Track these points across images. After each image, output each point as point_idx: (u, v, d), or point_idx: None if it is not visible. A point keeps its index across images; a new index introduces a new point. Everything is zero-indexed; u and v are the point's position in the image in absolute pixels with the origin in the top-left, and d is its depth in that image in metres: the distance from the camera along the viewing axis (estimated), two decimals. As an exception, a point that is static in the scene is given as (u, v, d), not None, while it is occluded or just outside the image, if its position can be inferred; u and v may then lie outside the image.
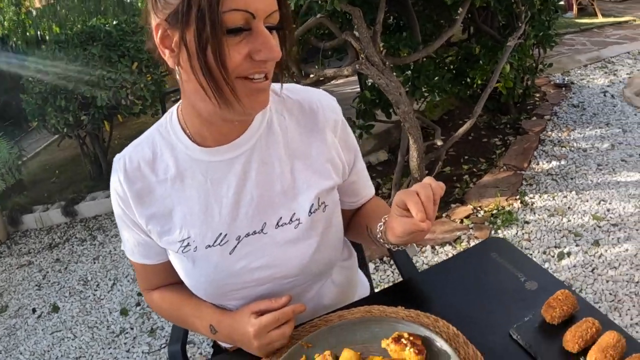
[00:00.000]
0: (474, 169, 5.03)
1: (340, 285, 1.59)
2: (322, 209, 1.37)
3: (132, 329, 4.00)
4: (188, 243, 1.33)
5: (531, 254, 3.76)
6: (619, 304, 3.25)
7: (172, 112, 1.35)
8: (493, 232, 4.02)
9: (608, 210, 4.13)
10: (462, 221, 4.23)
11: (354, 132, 4.46)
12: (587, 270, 3.54)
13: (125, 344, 3.87)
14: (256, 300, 1.36)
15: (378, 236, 1.37)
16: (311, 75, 4.40)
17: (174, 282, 1.50)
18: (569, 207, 4.23)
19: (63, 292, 4.70)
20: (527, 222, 4.09)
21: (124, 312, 4.18)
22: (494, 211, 4.24)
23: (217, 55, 1.03)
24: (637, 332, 3.06)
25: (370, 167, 5.45)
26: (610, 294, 3.33)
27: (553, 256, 3.70)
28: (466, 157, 5.30)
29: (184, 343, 1.89)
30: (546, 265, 3.64)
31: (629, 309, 3.19)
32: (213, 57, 1.03)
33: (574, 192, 4.41)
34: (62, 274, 5.06)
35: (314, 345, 1.28)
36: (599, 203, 4.23)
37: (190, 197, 1.33)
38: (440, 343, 1.21)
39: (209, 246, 1.33)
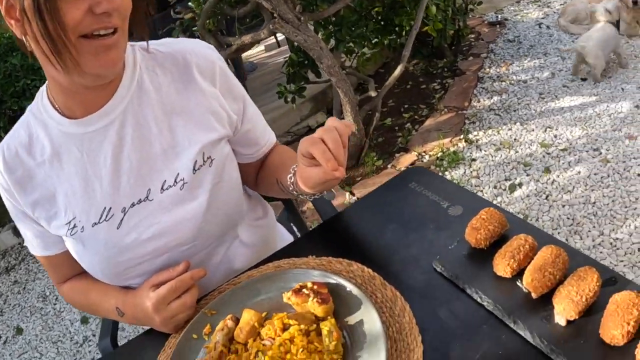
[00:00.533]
0: (416, 117, 4.84)
1: (252, 245, 1.51)
2: (208, 164, 1.29)
3: (94, 335, 3.85)
4: (74, 224, 1.26)
5: (481, 191, 3.59)
6: (578, 227, 3.09)
7: (42, 89, 1.28)
8: (440, 174, 3.82)
9: (555, 136, 3.97)
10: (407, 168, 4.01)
11: (284, 98, 4.34)
12: (541, 199, 3.38)
13: (89, 352, 3.74)
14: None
15: (290, 188, 1.29)
16: (232, 46, 4.23)
17: (83, 271, 1.41)
18: (515, 139, 4.06)
19: (24, 313, 4.50)
20: (474, 160, 3.91)
21: (84, 321, 4.00)
22: (439, 154, 4.05)
23: (53, 14, 0.97)
24: (600, 252, 2.90)
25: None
26: (568, 218, 3.17)
27: (504, 189, 3.53)
28: (406, 106, 5.11)
29: (114, 336, 1.75)
30: (498, 199, 3.46)
31: (589, 231, 3.04)
32: (49, 17, 0.97)
33: (518, 124, 4.24)
34: (22, 294, 4.76)
35: (218, 312, 1.20)
36: (545, 131, 4.07)
37: (69, 175, 1.25)
38: (350, 288, 1.13)
39: (95, 224, 1.25)
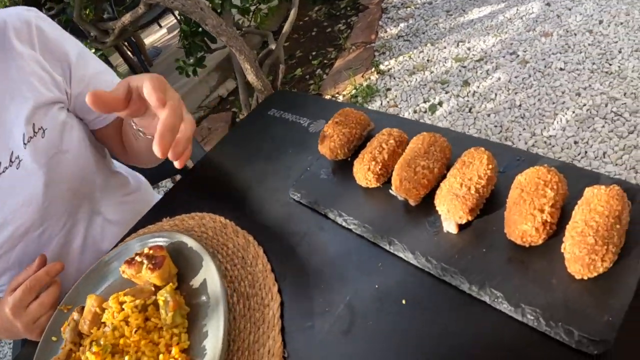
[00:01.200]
0: (325, 61, 4.56)
1: (122, 223, 1.39)
2: (40, 134, 1.16)
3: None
4: None
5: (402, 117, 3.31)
6: (507, 132, 2.88)
7: None
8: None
9: (469, 49, 3.74)
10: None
11: (185, 72, 4.01)
12: (464, 113, 3.15)
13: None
14: (19, 270, 1.18)
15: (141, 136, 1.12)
16: (114, 31, 3.92)
17: None
18: (428, 60, 3.82)
19: None
20: (389, 89, 3.67)
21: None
22: (353, 91, 3.80)
23: None
24: (535, 154, 2.66)
25: (223, 100, 4.93)
26: (496, 126, 2.96)
27: (425, 111, 3.30)
28: (314, 53, 4.82)
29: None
30: (421, 122, 3.20)
31: (520, 134, 2.83)
32: None
33: (429, 45, 3.99)
34: None
35: (73, 305, 1.04)
36: (458, 45, 3.83)
37: None
38: (191, 244, 0.99)
39: None
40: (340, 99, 3.82)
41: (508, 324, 0.66)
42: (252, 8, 4.57)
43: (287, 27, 3.93)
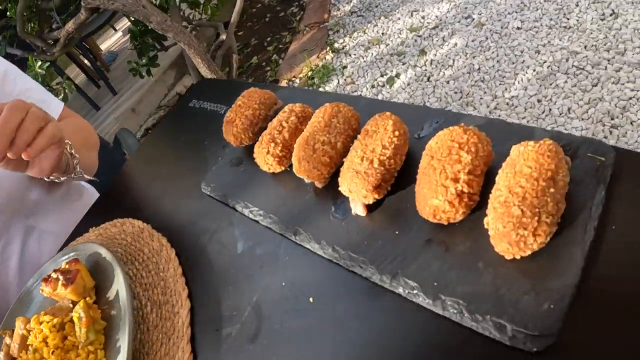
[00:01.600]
0: (280, 46, 4.42)
1: (63, 233, 1.25)
2: None
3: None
4: None
5: (360, 94, 3.20)
6: (468, 98, 2.77)
7: None
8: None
9: (423, 17, 3.63)
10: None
11: (139, 73, 3.85)
12: (423, 82, 3.04)
13: None
14: None
15: None
16: (59, 40, 3.75)
17: None
18: (382, 34, 3.69)
19: None
20: (345, 67, 3.54)
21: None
22: (309, 73, 3.66)
23: None
24: (499, 116, 2.58)
25: (182, 98, 4.76)
26: (456, 92, 2.85)
27: (383, 85, 3.18)
28: (269, 39, 4.67)
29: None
30: (380, 97, 3.10)
31: (481, 98, 2.73)
32: None
33: (382, 18, 3.87)
34: None
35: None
36: (412, 15, 3.71)
37: None
38: (105, 254, 0.94)
39: None
40: (297, 82, 3.69)
41: (430, 319, 0.55)
42: (202, 0, 4.43)
43: (234, 16, 3.81)
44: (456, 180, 0.54)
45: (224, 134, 0.88)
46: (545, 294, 0.48)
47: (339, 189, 0.66)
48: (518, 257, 0.51)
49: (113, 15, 6.30)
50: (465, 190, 0.54)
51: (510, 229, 0.48)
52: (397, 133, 0.63)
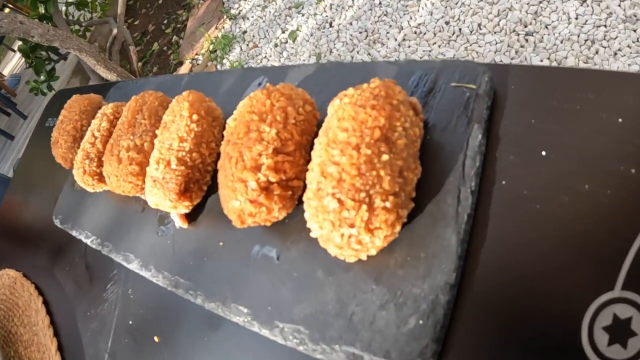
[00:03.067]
0: (178, 26, 4.17)
1: None
2: None
3: None
4: None
5: (265, 56, 3.04)
6: (374, 35, 2.63)
7: None
8: (219, 66, 3.25)
9: (314, -38, 3.41)
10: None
11: (40, 92, 3.57)
12: (326, 30, 2.88)
13: None
14: None
15: None
16: None
17: None
18: (277, -12, 3.48)
19: None
20: (245, 32, 3.35)
21: None
22: (210, 47, 3.44)
23: None
24: (409, 47, 2.45)
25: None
26: (361, 32, 2.69)
27: (286, 41, 3.01)
28: (166, 22, 4.40)
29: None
30: (285, 54, 2.93)
31: (387, 33, 2.59)
32: None
33: (274, -28, 3.65)
34: None
35: None
36: (305, -38, 3.50)
37: None
38: None
39: None
40: (201, 59, 3.48)
41: (278, 349, 0.39)
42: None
43: (120, 5, 3.56)
44: (257, 168, 0.38)
45: (54, 157, 0.77)
46: (410, 304, 0.32)
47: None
48: (363, 258, 0.35)
49: (2, 38, 5.93)
50: (273, 178, 0.38)
51: (330, 230, 0.33)
52: (195, 117, 0.48)
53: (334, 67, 0.50)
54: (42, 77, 3.74)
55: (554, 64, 2.09)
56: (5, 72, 7.16)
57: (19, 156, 4.49)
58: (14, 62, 7.59)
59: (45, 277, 0.82)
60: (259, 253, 0.44)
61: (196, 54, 3.56)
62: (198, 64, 3.46)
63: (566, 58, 2.06)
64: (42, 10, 3.54)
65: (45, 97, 4.34)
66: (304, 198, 0.37)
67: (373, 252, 0.35)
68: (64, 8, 4.04)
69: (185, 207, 0.49)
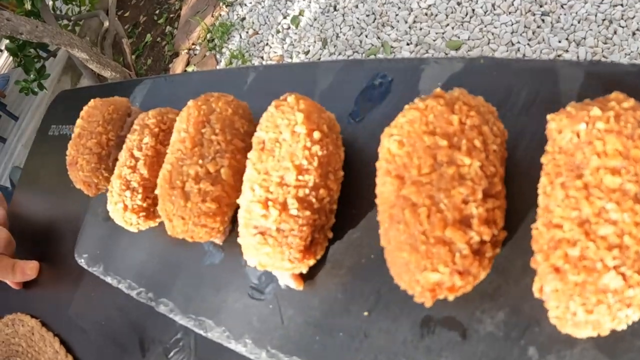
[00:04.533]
0: (171, 15, 4.05)
1: None
2: None
3: None
4: None
5: (267, 44, 2.93)
6: (383, 17, 2.54)
7: None
8: (219, 55, 3.13)
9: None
10: (184, 71, 3.28)
11: (31, 91, 3.45)
12: (330, 13, 2.78)
13: None
14: None
15: None
16: None
17: None
18: (273, -28, 3.36)
19: None
20: (244, 19, 3.24)
21: None
22: (208, 36, 3.32)
23: None
24: (421, 29, 2.34)
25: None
26: (368, 15, 2.58)
27: (289, 27, 2.89)
28: (157, 12, 4.28)
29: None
30: (288, 40, 2.82)
31: (396, 15, 2.49)
32: None
33: (268, -45, 3.53)
34: None
35: None
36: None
37: None
38: None
39: None
40: (198, 49, 3.37)
41: None
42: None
43: (111, -2, 3.44)
44: (465, 222, 0.29)
45: (72, 181, 0.60)
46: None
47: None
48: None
49: (-8, 38, 5.76)
50: (487, 236, 0.29)
51: (604, 314, 0.24)
52: (316, 136, 0.36)
53: (492, 63, 0.38)
54: (31, 75, 3.58)
55: (573, 45, 2.01)
56: (-11, 75, 6.99)
57: (12, 160, 4.36)
58: (1, 62, 7.41)
59: (72, 329, 0.67)
60: (434, 329, 0.33)
61: (192, 44, 3.44)
62: (195, 54, 3.35)
63: (585, 39, 1.98)
64: (28, 6, 3.40)
65: (36, 97, 4.21)
66: (547, 264, 0.27)
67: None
68: (50, 2, 3.90)
69: (307, 266, 0.38)
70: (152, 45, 4.00)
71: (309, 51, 2.67)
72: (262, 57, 2.88)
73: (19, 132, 4.64)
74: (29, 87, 3.58)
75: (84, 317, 0.65)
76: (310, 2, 2.90)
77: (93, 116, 0.57)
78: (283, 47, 2.80)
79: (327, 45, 2.60)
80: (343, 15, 2.68)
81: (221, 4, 3.49)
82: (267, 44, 2.92)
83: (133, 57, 3.65)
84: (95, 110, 0.57)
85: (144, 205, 0.48)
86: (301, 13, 2.89)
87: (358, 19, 2.60)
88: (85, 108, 0.60)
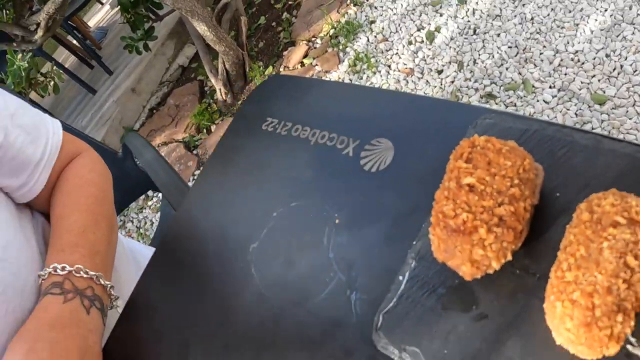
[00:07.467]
0: (290, 2, 4.02)
1: None
2: None
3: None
4: None
5: (396, 53, 2.87)
6: (526, 53, 2.46)
7: None
8: (342, 54, 3.09)
9: (453, -41, 3.24)
10: (302, 64, 3.26)
11: (135, 49, 3.48)
12: (469, 36, 2.71)
13: None
14: None
15: None
16: (40, 24, 3.31)
17: None
18: (410, -21, 3.32)
19: None
20: (373, 22, 3.19)
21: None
22: (331, 31, 3.30)
23: None
24: (565, 74, 2.28)
25: (186, 70, 4.41)
26: (510, 47, 2.52)
27: (422, 41, 2.84)
28: (273, -5, 4.26)
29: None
30: (420, 55, 2.77)
31: (541, 54, 2.42)
32: None
33: (406, -39, 3.48)
34: None
35: None
36: (440, -43, 3.33)
37: None
38: None
39: None
40: (319, 42, 3.33)
41: None
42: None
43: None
44: None
45: (436, 250, 0.42)
46: None
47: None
48: None
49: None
50: None
51: None
52: None
53: None
54: (139, 34, 3.60)
55: None
56: (91, 24, 7.15)
57: (100, 113, 4.42)
58: (100, 15, 7.57)
59: None
60: None
61: (313, 36, 3.41)
62: (315, 47, 3.31)
63: None
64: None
65: (134, 57, 4.23)
66: None
67: None
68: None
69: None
70: (266, 28, 3.99)
71: (442, 71, 2.61)
72: (389, 66, 2.82)
73: (112, 86, 4.71)
74: (135, 45, 3.60)
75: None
76: (447, 20, 2.84)
77: (499, 167, 0.40)
78: (414, 61, 2.75)
79: (462, 69, 2.54)
80: (483, 41, 2.61)
81: (349, 1, 3.46)
82: (396, 53, 2.87)
83: (246, 37, 3.65)
84: (504, 158, 0.40)
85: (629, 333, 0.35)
86: (437, 29, 2.83)
87: (499, 48, 2.53)
88: (469, 141, 0.44)
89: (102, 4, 7.63)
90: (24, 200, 0.88)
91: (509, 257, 0.39)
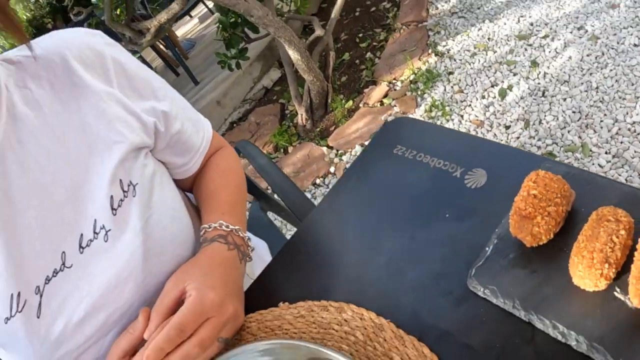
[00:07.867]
0: (374, 43, 4.37)
1: None
2: (131, 193, 0.92)
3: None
4: None
5: (469, 105, 3.15)
6: (588, 119, 2.70)
7: None
8: (419, 99, 3.39)
9: (531, 24, 3.54)
10: (381, 103, 3.58)
11: (228, 66, 3.86)
12: (537, 97, 2.96)
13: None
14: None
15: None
16: (150, 30, 3.72)
17: None
18: (489, 39, 3.62)
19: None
20: (451, 73, 3.48)
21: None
22: (411, 77, 3.61)
23: None
24: (621, 143, 2.52)
25: (269, 91, 4.76)
26: (574, 112, 2.77)
27: (495, 97, 3.11)
28: (361, 35, 4.63)
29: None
30: (491, 109, 3.04)
31: (601, 121, 2.65)
32: None
33: (487, 21, 3.79)
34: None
35: None
36: (519, 21, 3.63)
37: None
38: None
39: (8, 318, 0.84)
40: (399, 85, 3.65)
41: None
42: (292, -9, 4.39)
43: (335, 11, 3.78)
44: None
45: (512, 228, 0.73)
46: None
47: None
48: None
49: (196, 4, 6.34)
50: None
51: None
52: None
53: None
54: (233, 52, 3.92)
55: None
56: (179, 34, 7.63)
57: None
58: (188, 27, 8.05)
59: (443, 345, 0.73)
60: None
61: (394, 79, 3.72)
62: (395, 89, 3.63)
63: None
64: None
65: (220, 70, 4.57)
66: None
67: None
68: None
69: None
70: (349, 64, 4.32)
71: (509, 126, 2.87)
72: (462, 116, 3.11)
73: (198, 96, 5.08)
74: (227, 62, 3.95)
75: (462, 333, 0.75)
76: (519, 80, 3.12)
77: (549, 185, 0.73)
78: (485, 114, 3.03)
79: (528, 127, 2.81)
80: (550, 104, 2.87)
81: (430, 50, 3.77)
82: (469, 104, 3.15)
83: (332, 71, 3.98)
84: (551, 182, 0.73)
85: (612, 276, 0.64)
86: (509, 87, 3.11)
87: (564, 112, 2.79)
88: (535, 173, 0.75)
89: (191, 17, 8.14)
90: (181, 177, 1.11)
91: (551, 236, 0.72)
